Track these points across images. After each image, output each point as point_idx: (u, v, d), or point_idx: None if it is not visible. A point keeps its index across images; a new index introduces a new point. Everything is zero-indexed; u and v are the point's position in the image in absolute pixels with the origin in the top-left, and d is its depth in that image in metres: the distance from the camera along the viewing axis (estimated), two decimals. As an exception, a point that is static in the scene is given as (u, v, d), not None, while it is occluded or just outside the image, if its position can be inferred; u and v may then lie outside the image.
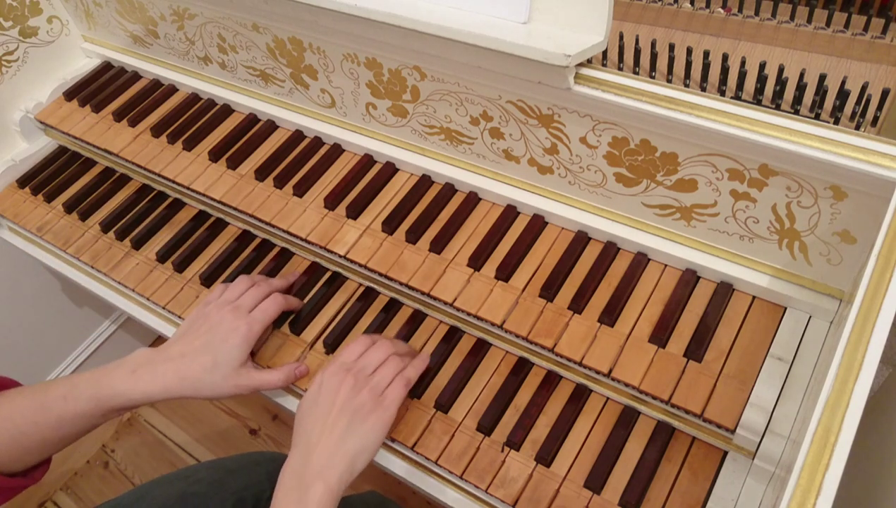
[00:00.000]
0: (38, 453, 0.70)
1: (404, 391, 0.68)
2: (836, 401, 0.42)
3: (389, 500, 0.95)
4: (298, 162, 0.92)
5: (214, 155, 0.95)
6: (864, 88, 0.68)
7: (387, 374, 0.68)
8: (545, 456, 0.67)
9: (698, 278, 0.72)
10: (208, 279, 0.88)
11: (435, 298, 0.76)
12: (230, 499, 0.79)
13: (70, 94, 1.10)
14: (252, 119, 1.00)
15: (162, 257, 0.92)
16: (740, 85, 0.73)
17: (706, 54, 0.74)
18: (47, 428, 0.68)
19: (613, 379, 0.67)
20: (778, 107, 0.72)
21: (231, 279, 0.87)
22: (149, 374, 0.70)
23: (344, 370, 0.68)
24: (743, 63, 0.73)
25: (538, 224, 0.79)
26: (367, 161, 0.90)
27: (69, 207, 1.00)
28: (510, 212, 0.81)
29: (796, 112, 0.71)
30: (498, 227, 0.80)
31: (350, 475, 0.62)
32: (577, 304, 0.72)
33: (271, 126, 0.98)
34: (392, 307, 0.81)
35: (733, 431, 0.61)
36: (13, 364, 1.35)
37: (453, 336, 0.78)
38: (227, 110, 1.02)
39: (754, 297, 0.70)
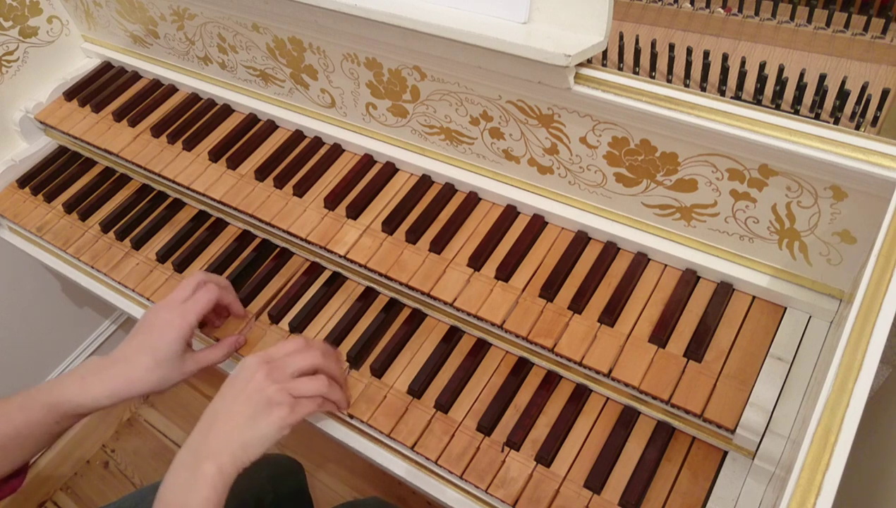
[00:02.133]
0: (2, 462, 0.72)
1: (317, 410, 0.69)
2: (836, 401, 0.42)
3: (392, 505, 0.95)
4: (298, 162, 0.92)
5: (214, 155, 0.95)
6: (864, 88, 0.68)
7: (308, 388, 0.68)
8: (545, 456, 0.67)
9: (698, 278, 0.72)
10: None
11: (435, 298, 0.76)
12: (232, 501, 0.79)
13: (70, 94, 1.10)
14: (252, 119, 1.00)
15: (162, 257, 0.92)
16: (740, 85, 0.73)
17: (706, 54, 0.74)
18: (6, 437, 0.70)
19: (613, 379, 0.67)
20: (778, 108, 0.72)
21: (231, 279, 0.87)
22: (97, 380, 0.72)
23: (264, 361, 0.68)
24: (743, 63, 0.73)
25: (538, 224, 0.79)
26: (367, 161, 0.90)
27: (69, 207, 1.00)
28: (510, 212, 0.81)
29: (796, 112, 0.71)
30: (498, 227, 0.80)
31: (242, 460, 0.64)
32: (577, 304, 0.72)
33: (271, 126, 0.98)
34: (392, 307, 0.81)
35: (733, 431, 0.61)
36: (13, 364, 1.35)
37: (453, 336, 0.78)
38: (227, 110, 1.02)
39: (754, 297, 0.70)
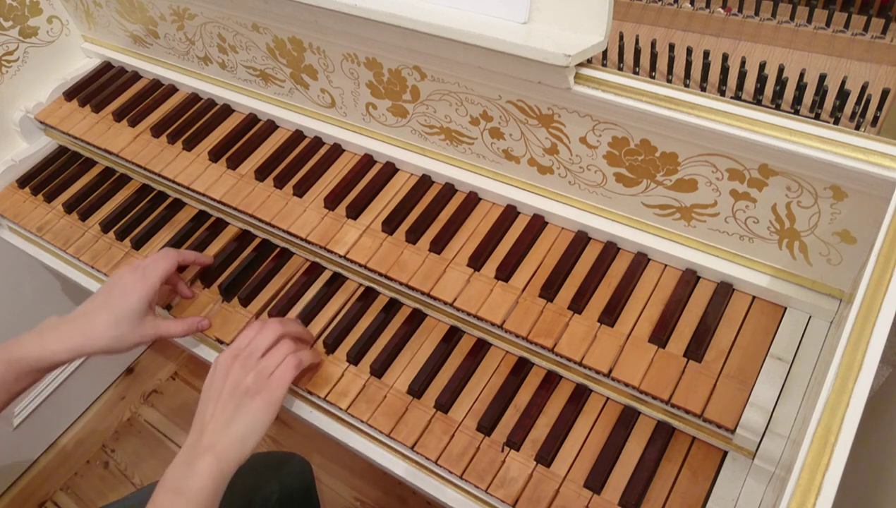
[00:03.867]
0: None
1: (294, 372, 0.70)
2: (836, 401, 0.42)
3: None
4: (298, 162, 0.92)
5: (214, 155, 0.95)
6: (864, 88, 0.68)
7: (276, 358, 0.70)
8: (545, 456, 0.67)
9: (698, 278, 0.72)
10: (208, 279, 0.88)
11: (435, 298, 0.76)
12: (238, 501, 0.79)
13: (70, 94, 1.10)
14: (252, 119, 1.00)
15: (162, 257, 0.92)
16: (740, 85, 0.73)
17: (706, 54, 0.74)
18: None
19: (613, 379, 0.67)
20: (778, 107, 0.72)
21: (231, 279, 0.87)
22: (55, 335, 0.74)
23: (233, 356, 0.71)
24: (743, 63, 0.73)
25: (538, 224, 0.79)
26: (367, 161, 0.90)
27: (69, 207, 1.00)
28: (510, 212, 0.81)
29: (796, 112, 0.71)
30: (498, 227, 0.80)
31: (240, 452, 0.65)
32: (577, 304, 0.72)
33: (271, 126, 0.98)
34: (392, 307, 0.81)
35: (733, 431, 0.61)
36: (13, 364, 1.34)
37: (453, 336, 0.78)
38: (227, 110, 1.02)
39: (754, 297, 0.70)
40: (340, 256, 0.82)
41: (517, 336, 0.72)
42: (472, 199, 0.83)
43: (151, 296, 0.77)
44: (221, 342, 0.82)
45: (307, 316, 0.82)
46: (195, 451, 0.65)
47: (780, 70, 0.71)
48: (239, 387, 0.68)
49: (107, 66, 1.15)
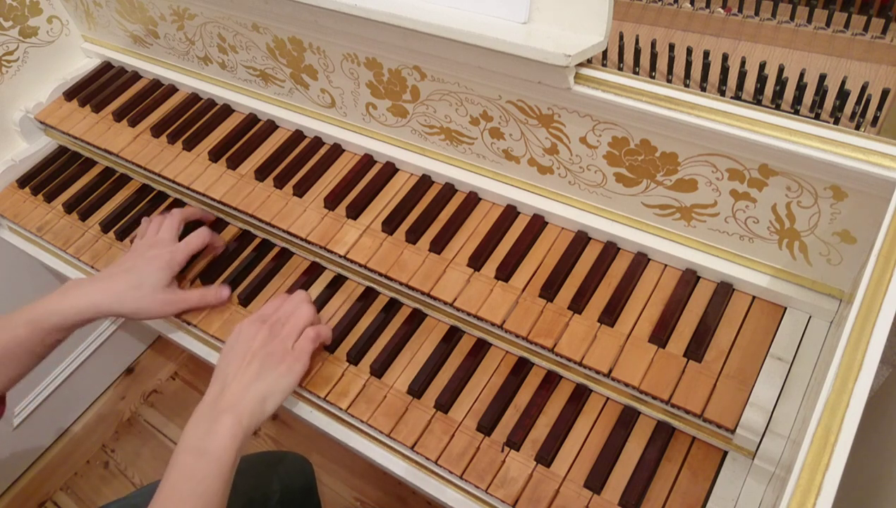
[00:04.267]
0: None
1: (313, 343, 0.73)
2: (836, 401, 0.42)
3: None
4: (298, 162, 0.92)
5: (214, 155, 0.95)
6: (864, 88, 0.68)
7: (297, 324, 0.73)
8: (545, 456, 0.67)
9: (698, 278, 0.72)
10: (208, 279, 0.88)
11: (435, 298, 0.76)
12: (239, 500, 0.79)
13: (70, 94, 1.10)
14: (252, 119, 1.00)
15: (162, 257, 0.92)
16: (740, 85, 0.73)
17: (706, 54, 0.74)
18: None
19: (613, 379, 0.67)
20: (778, 108, 0.72)
21: (231, 279, 0.87)
22: (78, 291, 0.76)
23: (261, 321, 0.73)
24: (743, 63, 0.73)
25: (538, 224, 0.79)
26: (367, 161, 0.90)
27: (69, 207, 1.00)
28: (510, 212, 0.81)
29: (796, 112, 0.71)
30: (498, 227, 0.80)
31: (260, 415, 0.67)
32: (577, 304, 0.72)
33: (271, 126, 0.98)
34: (392, 307, 0.81)
35: (733, 431, 0.61)
36: (13, 364, 1.34)
37: (453, 336, 0.77)
38: (227, 110, 1.02)
39: (754, 297, 0.70)
40: (340, 256, 0.82)
41: (517, 336, 0.72)
42: (472, 199, 0.83)
43: (175, 272, 0.80)
44: (220, 340, 0.82)
45: (307, 316, 0.82)
46: (216, 409, 0.65)
47: (780, 70, 0.71)
48: (263, 351, 0.69)
49: (107, 66, 1.15)
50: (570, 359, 0.69)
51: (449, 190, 0.85)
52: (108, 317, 0.80)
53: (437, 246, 0.79)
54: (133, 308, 0.78)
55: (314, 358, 0.78)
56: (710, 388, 0.64)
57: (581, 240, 0.77)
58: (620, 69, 0.80)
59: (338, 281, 0.85)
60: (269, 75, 0.95)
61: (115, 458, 1.50)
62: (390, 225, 0.82)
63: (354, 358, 0.77)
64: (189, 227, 0.89)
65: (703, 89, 0.75)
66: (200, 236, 0.84)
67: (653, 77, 0.78)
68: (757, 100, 0.73)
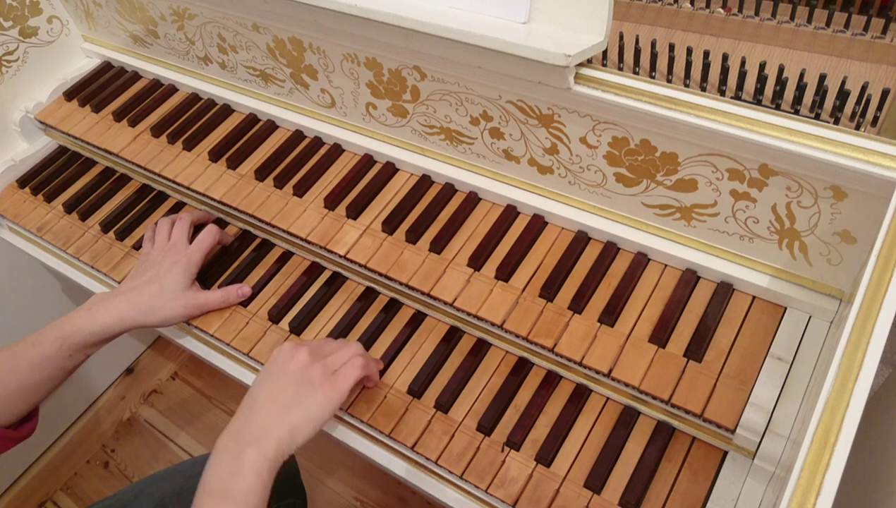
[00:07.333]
0: (18, 401, 0.75)
1: (360, 373, 0.67)
2: (836, 401, 0.42)
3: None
4: (298, 162, 0.92)
5: (214, 155, 0.95)
6: (864, 88, 0.68)
7: (344, 355, 0.68)
8: (545, 456, 0.67)
9: (698, 278, 0.72)
10: (208, 279, 0.88)
11: (435, 298, 0.76)
12: None
13: (70, 94, 1.10)
14: (252, 119, 1.00)
15: (162, 257, 0.92)
16: (740, 85, 0.73)
17: (706, 54, 0.74)
18: (21, 374, 0.74)
19: (613, 379, 0.67)
20: (778, 107, 0.72)
21: (231, 279, 0.87)
22: (104, 308, 0.77)
23: (301, 345, 0.68)
24: (743, 63, 0.73)
25: (538, 224, 0.79)
26: (367, 161, 0.90)
27: (69, 207, 1.00)
28: (510, 212, 0.81)
29: (796, 112, 0.71)
30: (498, 227, 0.80)
31: (290, 444, 0.61)
32: (577, 304, 0.72)
33: (271, 126, 0.98)
34: (392, 307, 0.81)
35: (733, 431, 0.61)
36: (13, 364, 1.34)
37: (453, 336, 0.78)
38: (227, 110, 1.02)
39: (754, 297, 0.70)
40: (340, 256, 0.82)
41: (517, 336, 0.72)
42: (472, 199, 0.83)
43: (194, 273, 0.82)
44: (220, 340, 0.82)
45: (307, 316, 0.82)
46: (240, 441, 0.60)
47: (780, 70, 0.71)
48: (301, 376, 0.64)
49: (107, 66, 1.15)
50: (570, 359, 0.69)
51: (449, 190, 0.85)
52: (136, 330, 0.80)
53: (437, 246, 0.79)
54: (161, 317, 0.79)
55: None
56: (710, 388, 0.64)
57: (581, 240, 0.77)
58: (620, 69, 0.80)
59: (338, 282, 0.85)
60: (269, 75, 0.95)
61: (115, 458, 1.50)
62: (390, 225, 0.82)
63: (354, 358, 0.77)
64: (193, 230, 0.89)
65: (703, 89, 0.75)
66: (211, 234, 0.85)
67: (653, 77, 0.78)
68: (757, 101, 0.73)
